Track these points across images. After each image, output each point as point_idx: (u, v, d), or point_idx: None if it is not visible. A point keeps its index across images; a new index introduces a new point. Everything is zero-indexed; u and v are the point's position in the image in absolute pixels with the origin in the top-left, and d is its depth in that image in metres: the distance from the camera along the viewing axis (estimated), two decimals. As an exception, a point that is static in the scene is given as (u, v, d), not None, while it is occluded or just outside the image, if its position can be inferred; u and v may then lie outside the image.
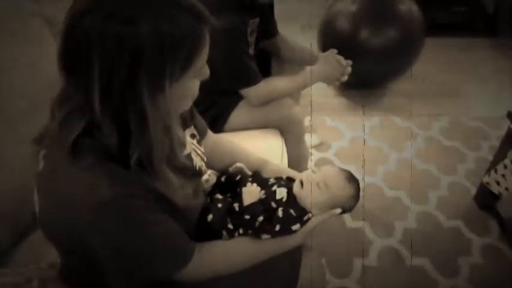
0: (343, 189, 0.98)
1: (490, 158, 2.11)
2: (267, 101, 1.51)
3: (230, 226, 0.93)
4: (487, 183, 1.51)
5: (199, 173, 0.96)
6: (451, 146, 2.24)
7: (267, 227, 0.91)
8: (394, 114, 2.51)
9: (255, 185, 0.98)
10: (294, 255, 0.99)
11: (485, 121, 2.42)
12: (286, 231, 0.93)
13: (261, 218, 0.91)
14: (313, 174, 0.99)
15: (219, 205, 0.95)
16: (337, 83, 1.64)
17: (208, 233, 0.91)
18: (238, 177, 1.05)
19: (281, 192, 0.97)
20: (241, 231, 0.93)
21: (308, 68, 1.64)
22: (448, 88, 2.76)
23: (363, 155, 2.19)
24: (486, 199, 1.80)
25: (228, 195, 1.02)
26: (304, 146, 1.67)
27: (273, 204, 0.94)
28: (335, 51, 1.60)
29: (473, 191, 1.92)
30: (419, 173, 2.07)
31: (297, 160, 1.63)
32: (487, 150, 2.19)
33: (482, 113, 2.51)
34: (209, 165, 1.05)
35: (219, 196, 1.00)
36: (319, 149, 2.23)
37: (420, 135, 2.34)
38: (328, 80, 1.66)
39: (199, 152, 0.98)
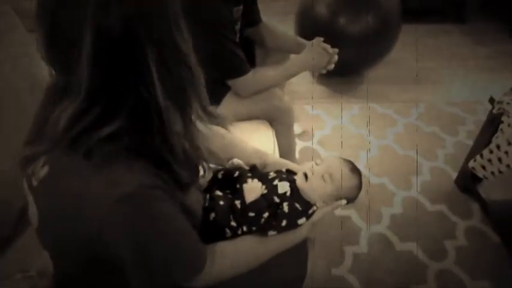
0: (348, 180, 0.97)
1: (468, 142, 2.17)
2: (256, 92, 1.47)
3: (233, 224, 0.89)
4: (473, 167, 1.54)
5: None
6: (430, 132, 2.29)
7: (273, 223, 0.87)
8: (373, 102, 2.53)
9: (255, 180, 0.94)
10: (300, 250, 0.96)
11: (460, 106, 2.48)
12: (292, 225, 0.90)
13: (266, 214, 0.87)
14: (317, 166, 0.96)
15: (221, 202, 0.91)
16: (324, 71, 1.61)
17: (210, 232, 0.87)
18: (236, 174, 1.01)
19: (283, 186, 0.94)
20: (244, 228, 0.89)
21: (294, 56, 1.61)
22: (424, 75, 2.81)
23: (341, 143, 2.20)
24: (467, 182, 1.85)
25: (228, 191, 0.98)
26: (293, 136, 1.65)
27: (276, 199, 0.91)
28: (321, 39, 1.57)
29: (454, 175, 1.97)
30: (401, 159, 2.10)
31: (287, 151, 1.60)
32: (464, 135, 2.25)
33: (457, 98, 2.57)
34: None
35: (219, 193, 0.96)
36: (301, 138, 2.22)
37: (399, 121, 2.37)
38: (314, 69, 1.63)
39: None
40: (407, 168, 2.04)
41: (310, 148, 2.15)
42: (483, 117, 2.36)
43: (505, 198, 1.74)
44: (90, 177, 0.57)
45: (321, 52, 1.56)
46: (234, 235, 0.90)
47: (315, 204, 0.94)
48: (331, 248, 1.64)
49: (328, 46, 1.56)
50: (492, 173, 1.47)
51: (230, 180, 1.00)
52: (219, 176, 1.02)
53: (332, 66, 1.60)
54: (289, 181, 0.95)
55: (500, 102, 1.55)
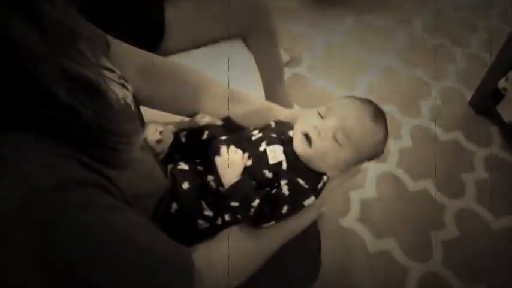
0: (371, 136, 0.65)
1: (482, 55, 1.87)
2: None
3: (208, 213, 0.61)
4: (504, 88, 1.26)
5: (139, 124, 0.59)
6: (438, 44, 1.95)
7: (268, 212, 0.58)
8: (366, 12, 2.14)
9: (233, 148, 0.63)
10: (309, 240, 0.69)
11: (472, 11, 2.12)
12: (296, 210, 0.62)
13: (256, 203, 0.58)
14: (322, 120, 0.64)
15: (185, 185, 0.61)
16: None
17: (175, 229, 0.58)
18: (205, 135, 0.69)
19: (275, 153, 0.63)
20: (227, 217, 0.61)
21: None
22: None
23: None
24: (486, 103, 1.58)
25: (197, 161, 0.67)
26: (279, 55, 1.28)
27: (267, 173, 0.61)
28: None
29: (468, 95, 1.69)
30: (406, 81, 1.79)
31: (273, 79, 1.26)
32: (477, 45, 1.93)
33: (466, 1, 2.20)
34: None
35: (184, 166, 0.66)
36: (288, 66, 1.86)
37: (401, 34, 2.01)
38: None
39: (122, 82, 0.57)
40: (415, 92, 1.74)
41: (300, 76, 1.81)
42: (498, 24, 2.07)
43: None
44: None
45: None
46: (212, 227, 0.61)
47: (325, 174, 0.65)
48: (334, 195, 1.40)
49: None
50: (529, 93, 1.19)
51: (198, 143, 0.69)
52: (182, 138, 0.71)
53: None
54: (282, 143, 0.65)
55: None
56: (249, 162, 0.62)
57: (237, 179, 0.59)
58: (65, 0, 0.40)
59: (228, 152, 0.62)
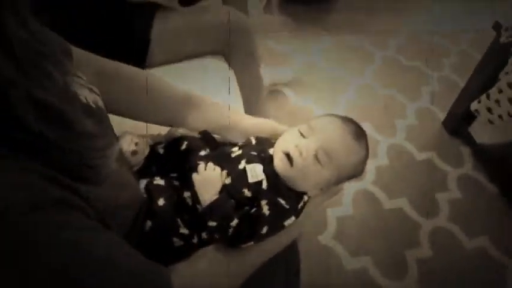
0: (353, 155, 0.64)
1: (454, 78, 1.94)
2: None
3: (184, 231, 0.58)
4: (476, 110, 1.29)
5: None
6: (411, 66, 2.01)
7: (247, 232, 0.57)
8: (345, 32, 2.18)
9: (211, 165, 0.61)
10: (290, 257, 0.68)
11: (444, 36, 2.20)
12: (276, 230, 0.60)
13: (234, 222, 0.56)
14: (304, 139, 0.63)
15: (161, 201, 0.59)
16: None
17: (149, 246, 0.56)
18: (184, 145, 0.67)
19: (255, 171, 0.61)
20: (204, 235, 0.58)
21: None
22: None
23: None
24: (458, 124, 1.62)
25: (173, 175, 0.65)
26: (259, 72, 1.28)
27: (247, 193, 0.60)
28: None
29: (442, 116, 1.74)
30: (382, 101, 1.82)
31: (252, 95, 1.25)
32: (449, 69, 2.00)
33: (439, 27, 2.28)
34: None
35: (159, 181, 0.63)
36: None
37: (377, 55, 2.07)
38: None
39: (90, 86, 0.54)
40: (391, 111, 1.77)
41: (280, 94, 1.81)
42: (468, 49, 2.15)
43: (503, 141, 1.53)
44: None
45: None
46: (187, 245, 0.59)
47: (305, 193, 0.64)
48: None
49: None
50: (500, 116, 1.23)
51: (177, 154, 0.67)
52: (160, 150, 0.69)
53: None
54: (262, 161, 0.63)
55: (509, 29, 1.27)
56: (228, 180, 0.60)
57: (215, 198, 0.57)
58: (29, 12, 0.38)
59: (205, 169, 0.60)
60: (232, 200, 0.58)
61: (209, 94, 0.77)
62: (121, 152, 0.63)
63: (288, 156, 0.61)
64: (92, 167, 0.42)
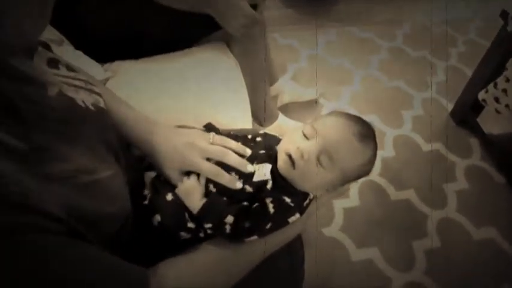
0: (357, 157, 0.63)
1: (461, 67, 1.92)
2: None
3: (191, 225, 0.59)
4: (483, 100, 1.28)
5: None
6: (419, 56, 1.99)
7: (249, 227, 0.57)
8: (350, 24, 2.17)
9: (185, 179, 0.61)
10: (293, 250, 0.68)
11: (451, 25, 2.17)
12: (281, 225, 0.61)
13: (229, 219, 0.57)
14: (306, 141, 0.63)
15: (169, 196, 0.59)
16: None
17: (153, 240, 0.57)
18: None
19: (262, 171, 0.62)
20: (209, 230, 0.59)
21: None
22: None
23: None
24: (466, 115, 1.61)
25: None
26: (263, 57, 1.26)
27: (248, 189, 0.60)
28: None
29: (449, 106, 1.72)
30: (389, 92, 1.81)
31: (256, 80, 1.24)
32: (456, 58, 1.97)
33: (446, 16, 2.25)
34: None
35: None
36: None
37: (383, 46, 2.05)
38: None
39: (89, 87, 0.54)
40: (397, 102, 1.76)
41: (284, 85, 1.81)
42: (475, 38, 2.12)
43: (510, 131, 1.52)
44: None
45: None
46: (194, 238, 0.60)
47: (311, 193, 0.64)
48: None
49: None
50: (507, 106, 1.22)
51: None
52: None
53: None
54: (270, 159, 0.63)
55: (517, 17, 1.25)
56: (238, 183, 0.60)
57: (202, 202, 0.58)
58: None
59: (183, 181, 0.60)
60: (224, 198, 0.59)
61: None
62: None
63: (290, 157, 0.61)
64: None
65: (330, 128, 0.63)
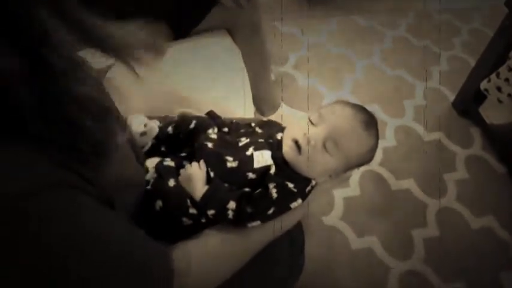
0: (361, 145, 0.65)
1: (465, 57, 1.91)
2: None
3: (193, 211, 0.60)
4: (486, 89, 1.27)
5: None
6: (421, 46, 1.97)
7: (253, 213, 0.58)
8: (352, 13, 2.15)
9: (188, 166, 0.62)
10: (294, 236, 0.69)
11: (454, 14, 2.15)
12: (283, 211, 0.62)
13: (231, 204, 0.58)
14: (313, 127, 0.64)
15: (171, 182, 0.60)
16: None
17: (158, 225, 0.57)
18: (192, 125, 0.69)
19: (262, 157, 0.63)
20: (210, 216, 0.60)
21: None
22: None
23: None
24: (468, 105, 1.60)
25: (183, 155, 0.67)
26: (265, 46, 1.26)
27: (251, 175, 0.61)
28: None
29: (451, 96, 1.72)
30: (391, 81, 1.81)
31: (258, 70, 1.25)
32: (459, 46, 1.96)
33: (450, 4, 2.23)
34: None
35: (170, 163, 0.64)
36: (275, 64, 1.85)
37: (386, 35, 2.03)
38: None
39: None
40: (399, 92, 1.76)
41: (286, 75, 1.80)
42: (479, 27, 2.11)
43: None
44: None
45: None
46: (197, 224, 0.60)
47: (314, 179, 0.65)
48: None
49: None
50: (509, 95, 1.21)
51: (187, 134, 0.69)
52: (169, 130, 0.70)
53: None
54: (270, 147, 0.64)
55: (522, 6, 1.24)
56: (234, 164, 0.62)
57: (205, 189, 0.59)
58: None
59: (186, 168, 0.61)
60: (226, 184, 0.60)
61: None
62: (130, 134, 0.64)
63: (296, 143, 0.63)
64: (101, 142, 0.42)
65: (337, 116, 0.65)
